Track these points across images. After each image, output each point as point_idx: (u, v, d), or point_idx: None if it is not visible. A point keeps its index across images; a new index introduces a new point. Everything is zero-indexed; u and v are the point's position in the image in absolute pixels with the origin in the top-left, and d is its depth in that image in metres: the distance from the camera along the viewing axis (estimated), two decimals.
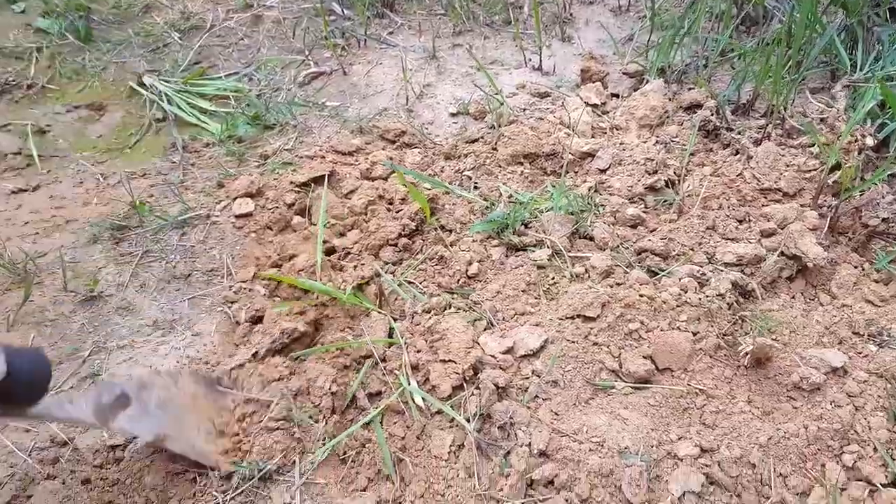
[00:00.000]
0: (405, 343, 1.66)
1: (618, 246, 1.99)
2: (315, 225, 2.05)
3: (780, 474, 1.51)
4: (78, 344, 1.66)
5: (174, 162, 2.36)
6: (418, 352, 1.64)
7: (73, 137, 2.53)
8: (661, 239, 1.98)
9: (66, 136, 2.52)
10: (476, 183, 2.21)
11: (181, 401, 1.39)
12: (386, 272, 1.90)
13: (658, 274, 1.91)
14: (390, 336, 1.70)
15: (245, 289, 1.86)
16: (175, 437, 1.33)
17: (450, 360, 1.59)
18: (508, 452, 1.48)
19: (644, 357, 1.69)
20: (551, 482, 1.43)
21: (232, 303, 1.82)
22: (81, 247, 1.94)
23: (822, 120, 2.34)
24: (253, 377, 1.55)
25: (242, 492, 1.37)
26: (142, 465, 1.40)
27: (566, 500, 1.40)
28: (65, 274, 1.80)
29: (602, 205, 2.10)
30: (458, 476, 1.45)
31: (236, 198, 2.14)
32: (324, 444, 1.48)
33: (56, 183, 2.28)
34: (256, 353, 1.64)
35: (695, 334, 1.74)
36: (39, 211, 2.13)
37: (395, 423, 1.55)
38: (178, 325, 1.74)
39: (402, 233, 1.98)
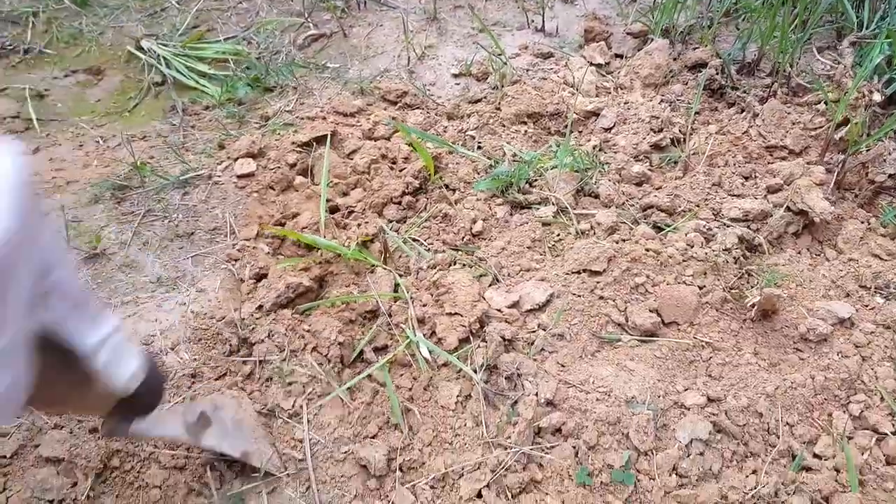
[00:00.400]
0: (411, 297, 1.65)
1: (623, 203, 1.98)
2: (317, 185, 2.03)
3: (787, 423, 1.51)
4: None
5: (174, 124, 2.33)
6: (424, 305, 1.63)
7: (72, 102, 2.50)
8: (667, 195, 1.97)
9: (64, 101, 2.49)
10: (479, 143, 2.19)
11: (248, 422, 1.41)
12: (390, 230, 1.88)
13: (664, 230, 1.90)
14: (395, 291, 1.69)
15: (248, 247, 1.85)
16: (255, 453, 1.36)
17: (456, 314, 1.59)
18: (515, 402, 1.48)
19: (650, 310, 1.68)
20: (559, 430, 1.43)
21: (235, 260, 1.81)
22: (83, 206, 1.93)
23: (828, 77, 2.31)
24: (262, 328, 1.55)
25: None
26: None
27: (574, 448, 1.40)
28: (68, 232, 1.78)
29: (607, 163, 2.09)
30: (465, 425, 1.45)
31: (238, 158, 2.12)
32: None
33: (55, 146, 2.26)
34: (261, 306, 1.63)
35: (701, 288, 1.74)
36: (39, 173, 2.10)
37: (401, 375, 1.55)
38: (182, 281, 1.73)
39: (406, 191, 1.97)
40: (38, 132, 2.31)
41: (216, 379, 1.47)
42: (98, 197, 1.96)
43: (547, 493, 1.35)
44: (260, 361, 1.51)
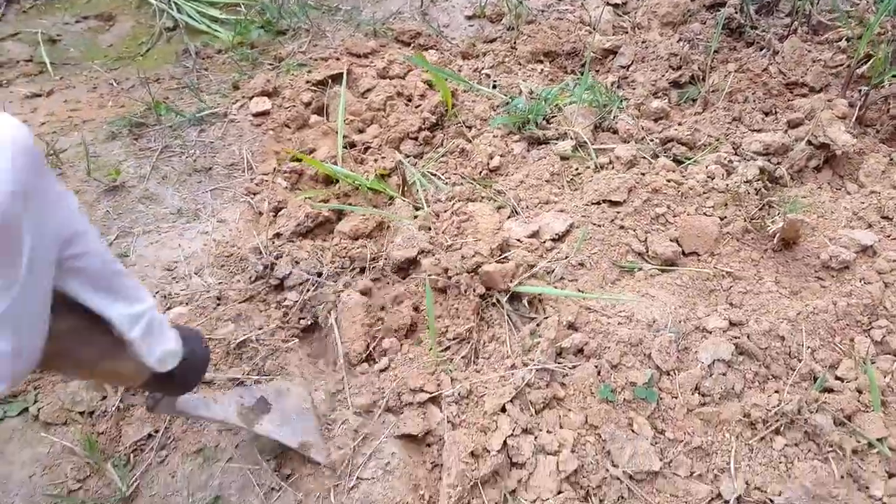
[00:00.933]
0: (432, 222, 1.64)
1: (642, 138, 1.96)
2: (333, 122, 2.03)
3: (809, 347, 1.51)
4: (103, 229, 1.65)
5: (187, 67, 2.32)
6: (444, 232, 1.63)
7: (84, 47, 2.48)
8: (687, 129, 1.95)
9: (76, 46, 2.48)
10: (495, 81, 2.17)
11: (312, 412, 1.34)
12: (408, 164, 1.88)
13: (684, 163, 1.89)
14: (416, 219, 1.69)
15: (267, 181, 1.85)
16: (317, 446, 1.29)
17: (478, 240, 1.58)
18: (538, 324, 1.48)
19: (671, 240, 1.68)
20: (581, 350, 1.43)
21: (254, 194, 1.81)
22: (100, 143, 1.92)
23: (849, 15, 2.28)
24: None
25: None
26: None
27: (596, 367, 1.40)
28: (88, 162, 1.78)
29: (626, 98, 2.07)
30: (489, 346, 1.46)
31: (253, 97, 2.11)
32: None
33: (70, 88, 2.25)
34: (280, 234, 1.63)
35: (722, 219, 1.73)
36: (55, 113, 2.10)
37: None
38: (202, 213, 1.73)
39: (423, 126, 1.96)
40: (51, 75, 2.31)
41: (240, 302, 1.48)
42: (115, 134, 1.96)
43: (570, 409, 1.36)
44: (286, 285, 1.51)
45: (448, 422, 1.32)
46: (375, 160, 1.89)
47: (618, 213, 1.72)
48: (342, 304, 1.49)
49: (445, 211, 1.70)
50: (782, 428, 1.35)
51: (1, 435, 1.24)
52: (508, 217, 1.75)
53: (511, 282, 1.51)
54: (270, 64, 2.30)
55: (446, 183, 1.83)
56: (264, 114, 2.07)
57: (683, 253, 1.70)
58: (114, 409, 1.28)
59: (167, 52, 2.45)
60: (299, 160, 1.90)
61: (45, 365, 0.72)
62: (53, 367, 0.78)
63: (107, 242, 1.62)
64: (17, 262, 0.60)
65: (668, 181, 1.76)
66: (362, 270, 1.63)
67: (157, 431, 1.26)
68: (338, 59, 2.25)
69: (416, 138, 1.94)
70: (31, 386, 1.31)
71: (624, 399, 1.36)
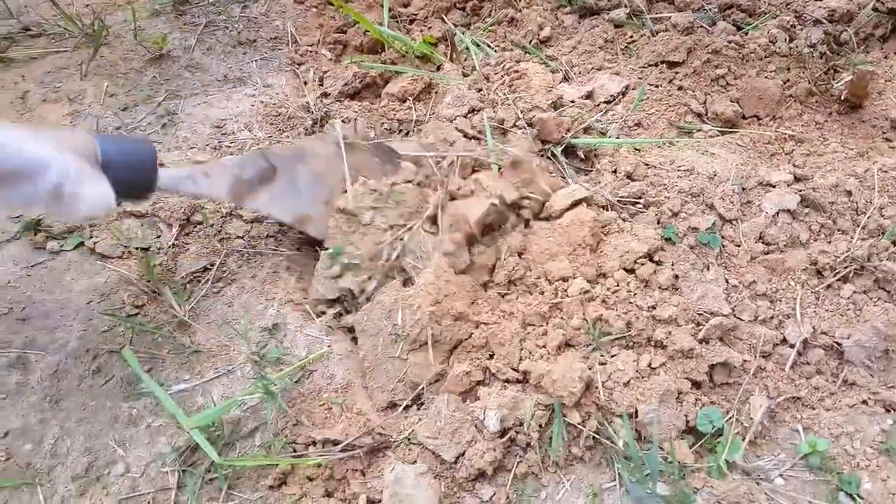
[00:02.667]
0: (484, 85, 1.59)
1: (700, 7, 1.87)
2: None
3: (878, 206, 1.44)
4: (151, 91, 1.64)
5: None
6: (496, 92, 1.58)
7: None
8: None
9: None
10: None
11: (338, 175, 1.20)
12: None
13: (744, 28, 1.80)
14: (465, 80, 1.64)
15: (311, 51, 1.81)
16: (318, 220, 1.18)
17: (530, 95, 1.53)
18: (594, 175, 1.44)
19: (731, 101, 1.61)
20: (639, 198, 1.39)
21: (299, 64, 1.78)
22: (144, 19, 1.90)
23: None
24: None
25: None
26: None
27: (656, 215, 1.36)
28: (136, 28, 1.76)
29: None
30: None
31: None
32: None
33: None
34: (328, 94, 1.60)
35: (784, 82, 1.65)
36: None
37: None
38: (248, 80, 1.71)
39: None
40: None
41: None
42: (159, 11, 1.93)
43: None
44: None
45: None
46: (421, 31, 1.84)
47: (676, 73, 1.66)
48: None
49: (496, 73, 1.65)
50: (851, 275, 1.30)
51: (58, 266, 1.24)
52: (560, 82, 1.69)
53: (566, 134, 1.46)
54: None
55: (495, 50, 1.77)
56: None
57: (744, 116, 1.64)
58: (169, 245, 1.28)
59: None
60: (344, 31, 1.85)
61: None
62: None
63: (155, 103, 1.60)
64: None
65: (729, 43, 1.68)
66: (408, 133, 1.59)
67: (212, 265, 1.26)
68: None
69: (463, 8, 1.89)
70: (86, 222, 1.31)
71: (687, 245, 1.32)
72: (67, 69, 1.68)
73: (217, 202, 1.26)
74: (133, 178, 0.98)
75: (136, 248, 1.25)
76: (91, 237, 1.29)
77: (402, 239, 1.26)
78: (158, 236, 1.29)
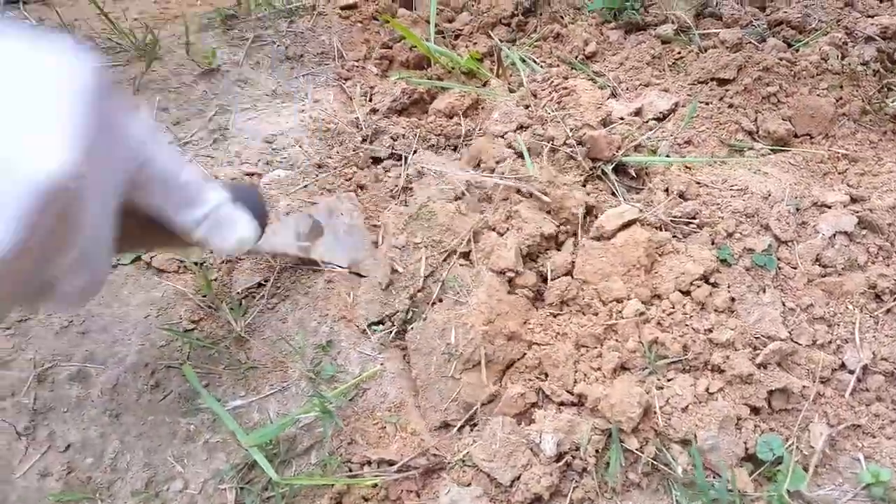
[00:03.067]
0: (531, 101, 1.59)
1: (748, 23, 1.86)
2: (420, 13, 1.98)
3: None
4: (202, 106, 1.66)
5: None
6: (544, 107, 1.57)
7: None
8: (798, 13, 1.83)
9: None
10: None
11: (361, 227, 1.34)
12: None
13: (794, 45, 1.78)
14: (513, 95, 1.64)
15: (358, 67, 1.82)
16: (364, 262, 1.29)
17: (579, 112, 1.53)
18: (646, 194, 1.42)
19: (783, 119, 1.59)
20: (693, 218, 1.37)
21: (346, 79, 1.79)
22: (192, 33, 1.92)
23: None
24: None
25: None
26: None
27: (711, 235, 1.34)
28: (188, 43, 1.79)
29: None
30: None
31: None
32: None
33: None
34: (376, 110, 1.61)
35: (837, 100, 1.63)
36: (146, 11, 2.11)
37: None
38: (296, 95, 1.72)
39: (516, 12, 1.89)
40: None
41: (343, 168, 1.47)
42: (207, 25, 1.96)
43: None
44: (389, 156, 1.49)
45: None
46: (466, 46, 1.84)
47: (726, 91, 1.64)
48: None
49: (543, 90, 1.64)
50: None
51: (116, 279, 1.26)
52: (608, 98, 1.68)
53: (617, 152, 1.45)
54: None
55: (541, 66, 1.76)
56: (352, 7, 2.04)
57: (796, 135, 1.61)
58: (222, 260, 1.29)
59: None
60: (390, 47, 1.86)
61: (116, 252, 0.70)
62: (123, 251, 0.78)
63: (206, 118, 1.62)
64: (81, 226, 0.56)
65: (780, 60, 1.66)
66: (455, 148, 1.60)
67: (266, 281, 1.26)
68: None
69: (508, 24, 1.89)
70: None
71: (743, 266, 1.30)
72: (120, 84, 1.71)
73: (290, 257, 1.28)
74: (257, 216, 0.97)
75: (193, 263, 1.27)
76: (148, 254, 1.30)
77: (435, 271, 1.28)
78: (211, 251, 1.30)
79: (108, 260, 0.64)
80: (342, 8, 2.04)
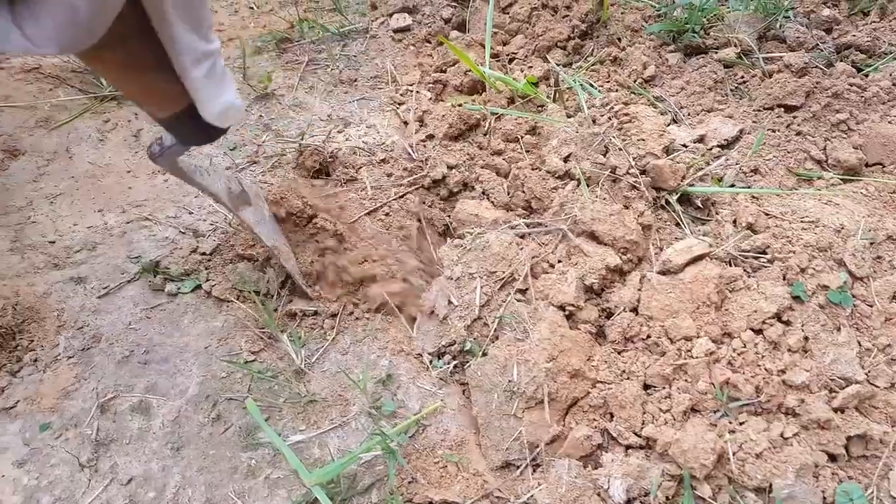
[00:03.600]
0: (593, 120, 1.56)
1: (814, 46, 1.80)
2: (474, 35, 1.96)
3: None
4: (258, 131, 1.66)
5: None
6: (604, 134, 1.54)
7: None
8: (867, 36, 1.77)
9: None
10: None
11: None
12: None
13: (864, 70, 1.71)
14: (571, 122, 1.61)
15: (411, 91, 1.81)
16: (286, 254, 1.28)
17: (641, 140, 1.49)
18: (713, 226, 1.38)
19: (854, 147, 1.53)
20: (763, 252, 1.32)
21: (399, 104, 1.78)
22: (248, 57, 1.94)
23: None
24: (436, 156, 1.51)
25: None
26: None
27: (781, 271, 1.29)
28: (245, 68, 1.80)
29: (792, 7, 1.90)
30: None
31: (393, 13, 2.08)
32: None
33: (212, 13, 2.28)
34: (432, 135, 1.59)
35: None
36: None
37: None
38: (351, 119, 1.71)
39: (572, 35, 1.86)
40: None
41: (399, 198, 1.45)
42: (261, 49, 1.97)
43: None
44: (441, 181, 1.47)
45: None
46: (521, 70, 1.82)
47: (794, 118, 1.59)
48: None
49: (602, 115, 1.61)
50: None
51: (176, 309, 1.26)
52: (669, 124, 1.64)
53: (682, 181, 1.41)
54: None
55: (599, 90, 1.73)
56: (405, 29, 2.03)
57: (867, 164, 1.55)
58: (280, 288, 1.28)
59: None
60: (443, 71, 1.85)
61: (96, 53, 0.65)
62: (102, 58, 0.71)
63: (257, 145, 1.63)
64: None
65: (850, 85, 1.60)
66: (508, 176, 1.57)
67: (323, 312, 1.25)
68: None
69: (564, 47, 1.86)
70: (201, 266, 1.32)
71: (817, 304, 1.24)
72: None
73: (217, 201, 1.22)
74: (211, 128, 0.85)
75: (252, 292, 1.26)
76: (207, 279, 1.30)
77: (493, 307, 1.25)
78: (269, 280, 1.29)
79: (102, 13, 0.59)
80: (395, 31, 2.04)
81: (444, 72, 1.86)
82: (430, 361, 1.21)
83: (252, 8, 2.29)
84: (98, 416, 1.09)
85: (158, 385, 1.14)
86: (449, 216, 1.52)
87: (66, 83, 1.72)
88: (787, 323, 1.21)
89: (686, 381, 1.15)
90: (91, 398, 1.11)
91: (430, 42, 2.01)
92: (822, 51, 1.77)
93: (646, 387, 1.17)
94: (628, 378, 1.17)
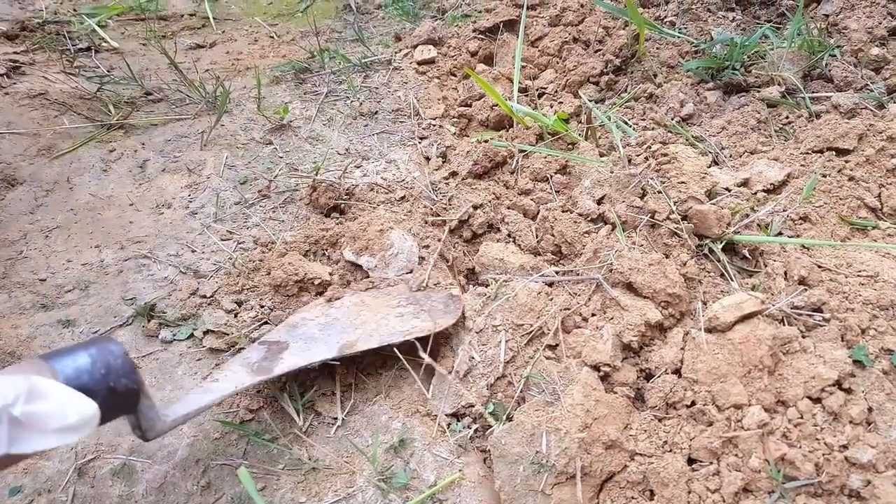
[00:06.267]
0: (628, 160, 1.45)
1: (863, 86, 1.68)
2: (501, 69, 1.87)
3: None
4: (270, 164, 1.57)
5: (348, 21, 2.25)
6: (641, 175, 1.43)
7: (245, 4, 2.47)
8: None
9: (237, 3, 2.47)
10: (681, 28, 1.95)
11: (348, 312, 1.19)
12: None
13: None
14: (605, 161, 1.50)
15: (435, 125, 1.71)
16: (365, 336, 1.13)
17: (682, 183, 1.37)
18: (763, 279, 1.25)
19: None
20: (818, 309, 1.19)
21: (422, 139, 1.68)
22: (265, 86, 1.86)
23: None
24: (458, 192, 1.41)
25: None
26: None
27: (840, 331, 1.15)
28: (259, 98, 1.71)
29: (838, 45, 1.79)
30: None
31: (417, 45, 2.00)
32: None
33: (231, 41, 2.22)
34: (456, 173, 1.49)
35: None
36: (218, 62, 2.07)
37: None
38: (370, 154, 1.62)
39: (605, 70, 1.76)
40: (213, 29, 2.30)
41: (424, 249, 1.34)
42: (279, 78, 1.90)
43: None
44: (464, 223, 1.37)
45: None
46: (551, 105, 1.72)
47: (846, 162, 1.46)
48: None
49: (638, 155, 1.50)
50: None
51: (169, 358, 1.15)
52: (709, 165, 1.52)
53: (727, 229, 1.29)
54: (433, 16, 2.18)
55: (634, 128, 1.62)
56: (429, 62, 1.95)
57: None
58: None
59: (326, 9, 2.39)
60: (468, 105, 1.75)
61: None
62: None
63: (267, 180, 1.53)
64: None
65: None
66: (535, 217, 1.46)
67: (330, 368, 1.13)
68: (506, 7, 2.10)
69: (597, 83, 1.76)
70: (200, 310, 1.22)
71: (881, 370, 1.11)
72: (188, 137, 1.64)
73: (245, 391, 1.10)
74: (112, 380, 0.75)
75: (245, 339, 1.15)
76: (203, 327, 1.19)
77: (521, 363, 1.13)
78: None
79: None
80: (419, 63, 1.95)
81: (470, 106, 1.77)
82: (448, 425, 1.09)
83: (272, 37, 2.23)
84: (75, 479, 0.97)
85: (144, 446, 1.02)
86: (472, 259, 1.40)
87: (72, 110, 1.64)
88: (849, 391, 1.07)
89: (737, 455, 1.02)
90: (68, 459, 1.00)
91: (455, 75, 1.93)
92: (871, 91, 1.66)
93: (690, 461, 1.04)
94: (671, 451, 1.04)
